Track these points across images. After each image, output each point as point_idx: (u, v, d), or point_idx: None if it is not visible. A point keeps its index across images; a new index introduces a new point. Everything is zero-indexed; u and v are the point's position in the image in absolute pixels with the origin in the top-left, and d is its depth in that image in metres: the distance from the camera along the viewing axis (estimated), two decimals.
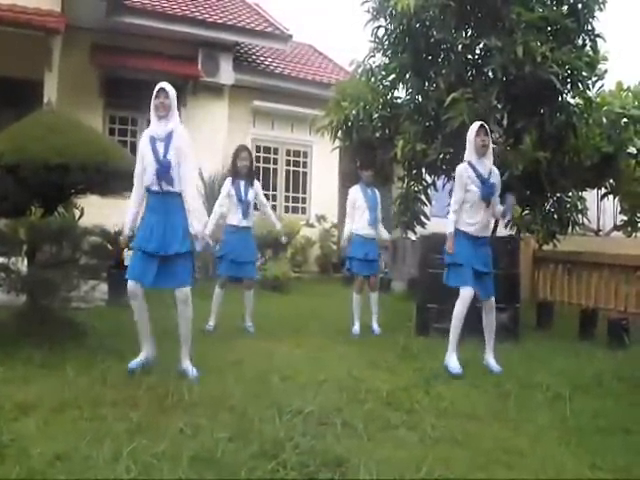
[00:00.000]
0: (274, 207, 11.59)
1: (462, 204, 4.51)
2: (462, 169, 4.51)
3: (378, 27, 6.46)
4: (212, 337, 5.26)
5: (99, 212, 5.89)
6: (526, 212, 6.79)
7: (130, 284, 3.86)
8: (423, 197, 6.76)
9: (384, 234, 6.34)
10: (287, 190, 12.02)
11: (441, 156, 6.09)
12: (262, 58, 11.84)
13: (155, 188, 3.90)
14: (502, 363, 4.50)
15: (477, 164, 4.48)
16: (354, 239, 6.05)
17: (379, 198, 6.22)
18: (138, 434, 2.78)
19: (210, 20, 10.34)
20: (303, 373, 4.07)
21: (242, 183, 5.64)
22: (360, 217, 6.05)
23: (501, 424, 3.30)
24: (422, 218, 6.73)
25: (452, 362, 4.38)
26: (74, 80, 9.14)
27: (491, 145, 4.56)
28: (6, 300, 4.72)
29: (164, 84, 3.96)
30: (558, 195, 6.55)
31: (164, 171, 3.85)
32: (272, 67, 11.71)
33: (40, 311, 4.64)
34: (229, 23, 10.60)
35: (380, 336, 5.82)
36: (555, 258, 7.89)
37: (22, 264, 4.76)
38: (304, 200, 12.17)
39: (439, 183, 6.85)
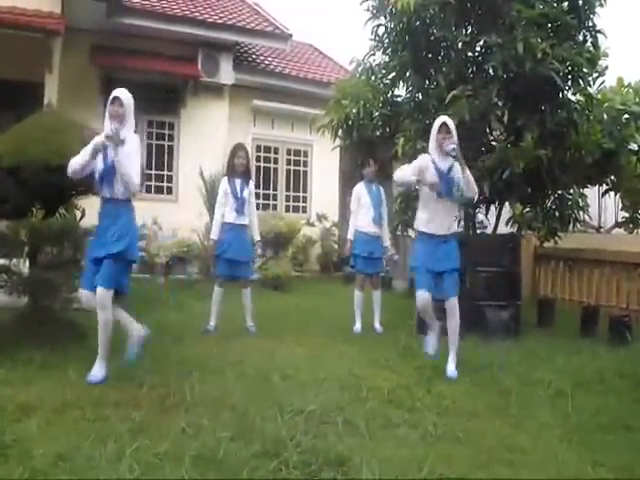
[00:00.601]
0: (275, 206, 11.63)
1: (421, 201, 4.48)
2: (425, 155, 4.47)
3: (378, 25, 6.45)
4: (213, 337, 5.26)
5: None
6: (527, 209, 6.78)
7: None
8: None
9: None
10: (288, 189, 12.02)
11: None
12: (262, 58, 11.83)
13: (103, 195, 3.92)
14: (503, 360, 4.49)
15: (438, 161, 4.38)
16: (358, 237, 6.04)
17: (384, 195, 6.20)
18: (140, 434, 2.80)
19: (210, 20, 10.33)
20: (304, 372, 4.08)
21: (238, 181, 5.64)
22: (364, 215, 6.03)
23: (502, 422, 3.30)
24: None
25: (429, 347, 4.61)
26: (74, 81, 9.13)
27: (454, 141, 4.29)
28: (8, 302, 4.72)
29: (119, 92, 3.96)
30: (559, 192, 6.53)
31: (109, 180, 3.84)
32: (272, 66, 11.70)
33: (41, 312, 4.64)
34: (229, 23, 10.59)
35: (381, 335, 5.82)
36: (556, 255, 7.88)
37: (23, 265, 4.78)
38: (305, 199, 12.16)
39: None
